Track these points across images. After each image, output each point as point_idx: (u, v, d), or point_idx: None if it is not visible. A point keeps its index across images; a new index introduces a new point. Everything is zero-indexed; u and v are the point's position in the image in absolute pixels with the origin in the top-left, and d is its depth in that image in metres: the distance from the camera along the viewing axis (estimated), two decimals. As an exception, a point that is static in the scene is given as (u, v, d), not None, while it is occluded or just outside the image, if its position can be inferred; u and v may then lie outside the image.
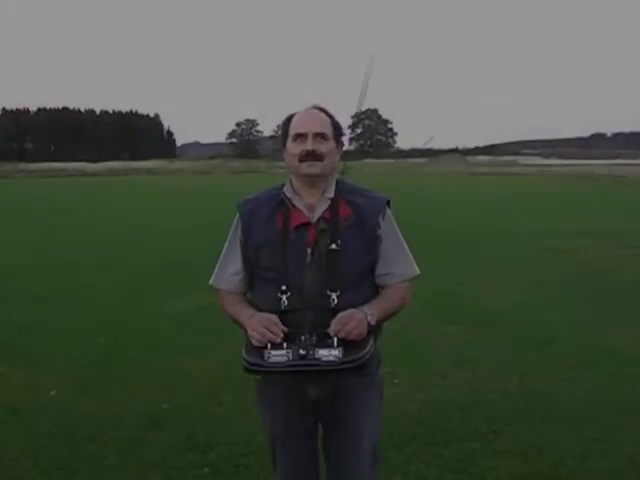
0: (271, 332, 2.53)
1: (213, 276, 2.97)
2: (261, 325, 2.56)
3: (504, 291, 10.09)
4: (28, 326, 8.28)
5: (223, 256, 2.95)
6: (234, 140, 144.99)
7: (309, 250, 2.75)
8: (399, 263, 2.88)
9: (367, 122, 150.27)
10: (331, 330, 2.53)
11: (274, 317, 2.60)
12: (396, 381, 6.01)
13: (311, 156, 2.78)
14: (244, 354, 2.53)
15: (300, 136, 2.80)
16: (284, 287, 2.72)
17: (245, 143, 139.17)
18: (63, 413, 5.47)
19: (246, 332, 2.63)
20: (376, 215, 2.84)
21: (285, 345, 2.49)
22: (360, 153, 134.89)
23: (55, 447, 4.86)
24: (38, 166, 71.91)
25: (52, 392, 5.93)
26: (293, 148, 2.81)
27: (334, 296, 2.71)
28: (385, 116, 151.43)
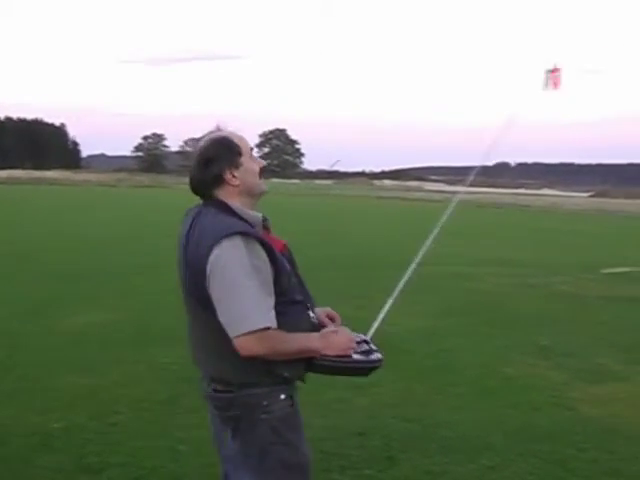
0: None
1: (259, 318, 2.51)
2: (350, 334, 2.81)
3: (407, 316, 10.10)
4: None
5: (257, 292, 2.52)
6: (140, 154, 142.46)
7: (294, 271, 2.81)
8: None
9: (275, 142, 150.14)
10: None
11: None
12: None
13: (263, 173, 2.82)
14: (368, 358, 2.85)
15: (251, 153, 2.80)
16: (309, 304, 2.82)
17: (151, 157, 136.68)
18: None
19: (320, 354, 2.71)
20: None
21: (373, 347, 2.89)
22: (267, 172, 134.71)
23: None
24: None
25: None
26: (254, 166, 2.77)
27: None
28: (293, 136, 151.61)
